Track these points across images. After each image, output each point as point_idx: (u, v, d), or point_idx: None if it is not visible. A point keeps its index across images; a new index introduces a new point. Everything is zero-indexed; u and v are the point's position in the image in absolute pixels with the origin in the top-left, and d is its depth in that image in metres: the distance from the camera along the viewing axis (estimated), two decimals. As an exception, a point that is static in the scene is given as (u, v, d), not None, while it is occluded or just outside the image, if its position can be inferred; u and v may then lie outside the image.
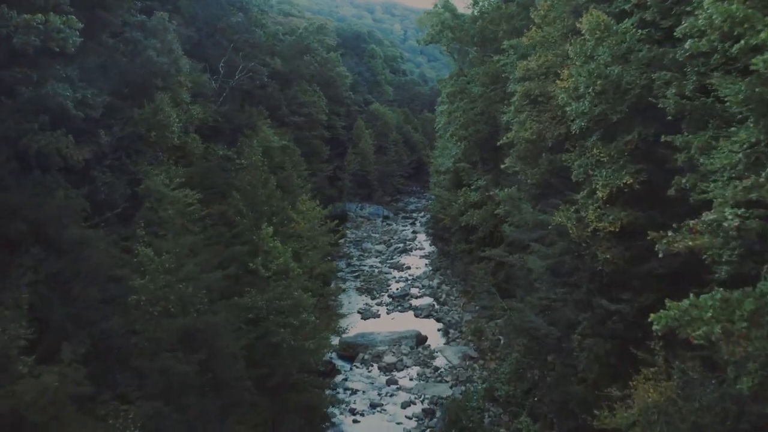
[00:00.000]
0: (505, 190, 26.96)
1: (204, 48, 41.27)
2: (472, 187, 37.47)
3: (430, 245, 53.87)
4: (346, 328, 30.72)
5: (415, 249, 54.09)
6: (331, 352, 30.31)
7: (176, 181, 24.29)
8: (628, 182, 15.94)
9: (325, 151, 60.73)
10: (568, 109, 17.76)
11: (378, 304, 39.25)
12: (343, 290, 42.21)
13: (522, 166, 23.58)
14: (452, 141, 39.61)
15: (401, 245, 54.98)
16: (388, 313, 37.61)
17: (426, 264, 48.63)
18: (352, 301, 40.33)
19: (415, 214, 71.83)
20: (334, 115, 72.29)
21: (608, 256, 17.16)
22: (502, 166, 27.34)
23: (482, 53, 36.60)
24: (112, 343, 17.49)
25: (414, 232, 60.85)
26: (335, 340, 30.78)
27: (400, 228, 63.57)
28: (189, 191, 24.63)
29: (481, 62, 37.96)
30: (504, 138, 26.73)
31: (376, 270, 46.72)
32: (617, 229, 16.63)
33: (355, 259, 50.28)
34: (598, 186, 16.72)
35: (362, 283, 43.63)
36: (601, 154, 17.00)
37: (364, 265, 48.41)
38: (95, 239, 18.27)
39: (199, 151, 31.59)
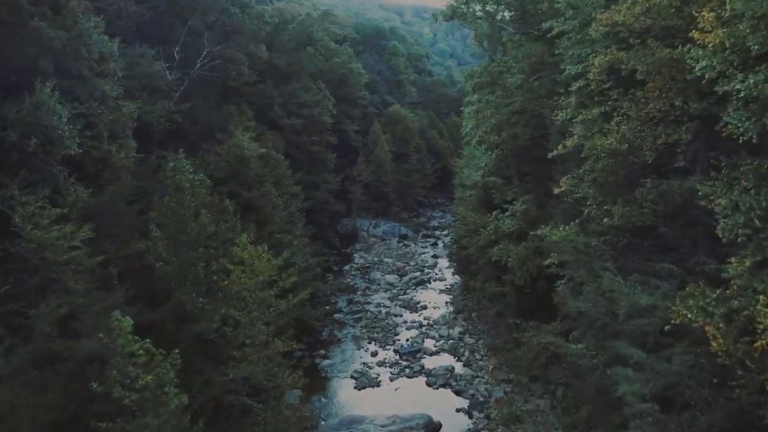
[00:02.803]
0: (562, 228, 17.29)
1: (159, 29, 32.53)
2: (506, 212, 27.67)
3: (453, 275, 44.12)
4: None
5: (435, 279, 44.35)
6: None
7: (55, 213, 15.77)
8: None
9: (331, 159, 51.57)
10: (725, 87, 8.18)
11: (380, 364, 29.73)
12: (338, 341, 32.84)
13: (597, 196, 13.88)
14: (480, 149, 29.87)
15: (418, 274, 45.30)
16: (391, 380, 28.08)
17: (446, 302, 38.88)
18: (347, 357, 30.91)
19: (438, 232, 62.08)
20: (345, 117, 63.28)
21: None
22: (556, 191, 17.62)
23: (521, 29, 26.84)
24: None
25: (435, 256, 51.10)
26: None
27: (419, 250, 53.89)
28: (73, 229, 16.08)
29: (519, 45, 28.26)
30: (559, 148, 17.06)
31: (384, 310, 37.16)
32: None
33: (359, 293, 40.81)
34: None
35: (364, 330, 34.18)
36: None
37: (370, 302, 38.91)
38: None
39: (130, 164, 22.74)
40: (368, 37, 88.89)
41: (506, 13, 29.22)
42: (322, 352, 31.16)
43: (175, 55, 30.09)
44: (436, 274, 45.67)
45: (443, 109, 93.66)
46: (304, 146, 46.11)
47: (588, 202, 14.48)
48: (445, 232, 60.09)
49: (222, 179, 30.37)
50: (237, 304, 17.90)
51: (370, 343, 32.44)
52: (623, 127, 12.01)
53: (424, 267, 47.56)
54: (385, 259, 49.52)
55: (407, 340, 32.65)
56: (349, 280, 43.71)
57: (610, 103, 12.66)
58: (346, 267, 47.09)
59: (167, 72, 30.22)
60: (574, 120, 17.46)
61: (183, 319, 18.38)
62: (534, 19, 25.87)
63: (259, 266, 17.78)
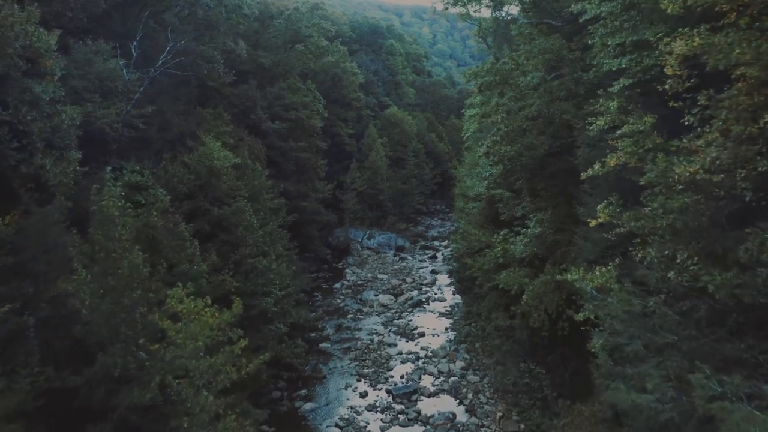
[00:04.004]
0: (598, 272, 13.23)
1: (120, 22, 28.44)
2: (516, 232, 23.56)
3: (454, 294, 40.01)
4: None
5: (434, 299, 40.22)
6: None
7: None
8: None
9: (321, 165, 47.52)
10: None
11: (370, 408, 25.62)
12: (322, 378, 28.73)
13: (669, 245, 9.74)
14: (487, 161, 25.73)
15: (415, 293, 41.19)
16: (382, 431, 23.94)
17: (447, 328, 34.76)
18: (333, 398, 26.79)
19: (437, 243, 58.02)
20: (339, 120, 59.28)
21: None
22: (592, 223, 13.49)
23: (535, 19, 22.76)
24: None
25: (434, 271, 46.96)
26: None
27: (417, 264, 49.77)
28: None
29: (530, 39, 24.20)
30: (595, 168, 13.02)
31: (376, 339, 33.03)
32: None
33: (350, 316, 36.66)
34: None
35: (353, 364, 30.06)
36: None
37: (361, 328, 34.78)
38: None
39: (69, 180, 18.75)
40: (364, 35, 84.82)
41: (516, 3, 25.23)
42: (304, 392, 27.06)
43: (133, 50, 25.93)
44: (435, 294, 41.55)
45: (443, 111, 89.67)
46: (290, 153, 42.03)
47: (649, 251, 10.34)
48: (445, 243, 56.06)
49: (189, 194, 26.38)
50: (175, 370, 13.77)
51: (359, 380, 28.32)
52: (714, 148, 7.97)
53: (422, 284, 43.43)
54: (380, 276, 45.37)
55: (402, 377, 28.53)
56: (338, 301, 39.57)
57: (697, 111, 8.60)
58: (337, 285, 42.96)
59: (124, 70, 26.09)
60: (611, 129, 13.51)
61: (112, 388, 14.32)
62: (552, 6, 21.80)
63: (196, 329, 13.52)
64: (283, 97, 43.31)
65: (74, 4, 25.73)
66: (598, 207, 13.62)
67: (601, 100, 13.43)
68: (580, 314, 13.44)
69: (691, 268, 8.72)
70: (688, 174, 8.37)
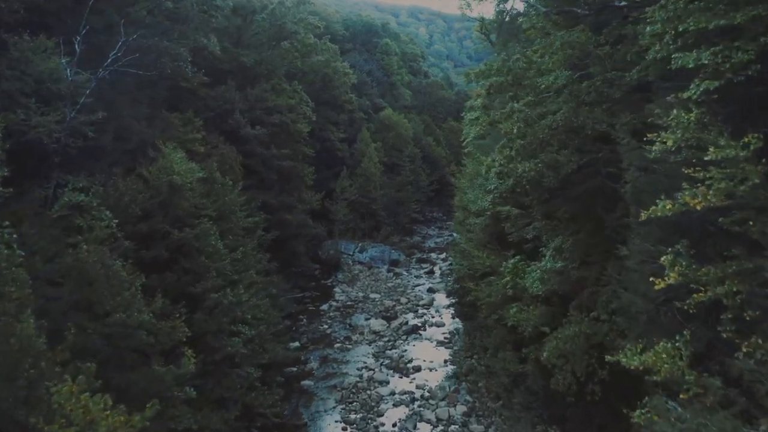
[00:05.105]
0: (660, 348, 9.38)
1: (68, 15, 24.42)
2: (531, 267, 19.60)
3: (453, 317, 36.13)
4: None
5: (431, 324, 36.31)
6: None
7: None
8: None
9: (309, 174, 43.59)
10: None
11: (356, 467, 21.71)
12: (302, 427, 24.78)
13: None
14: (493, 178, 21.76)
15: (410, 317, 37.30)
16: (369, 501, 20.03)
17: (446, 361, 30.84)
18: (313, 453, 22.86)
19: (434, 255, 54.14)
20: (330, 124, 55.36)
21: None
22: (657, 284, 9.55)
23: (554, 6, 18.83)
24: None
25: (431, 289, 43.03)
26: None
27: (413, 281, 45.85)
28: None
29: (544, 33, 20.34)
30: (665, 206, 9.13)
31: (366, 374, 29.08)
32: None
33: (337, 346, 32.67)
34: None
35: (338, 407, 26.13)
36: None
37: (349, 361, 30.83)
38: None
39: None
40: (358, 33, 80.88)
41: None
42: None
43: (77, 46, 21.93)
44: (433, 316, 37.66)
45: (440, 114, 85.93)
46: (272, 161, 38.09)
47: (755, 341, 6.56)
48: (443, 256, 52.22)
49: (144, 214, 22.39)
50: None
51: (345, 429, 24.39)
52: None
53: (418, 306, 39.52)
54: (372, 295, 41.43)
55: (394, 425, 24.60)
56: (325, 326, 35.63)
57: None
58: (324, 306, 39.01)
59: (68, 70, 22.07)
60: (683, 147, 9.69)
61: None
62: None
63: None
64: (265, 99, 39.35)
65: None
66: (663, 259, 9.77)
67: (674, 111, 9.51)
68: (636, 413, 9.48)
69: None
70: None
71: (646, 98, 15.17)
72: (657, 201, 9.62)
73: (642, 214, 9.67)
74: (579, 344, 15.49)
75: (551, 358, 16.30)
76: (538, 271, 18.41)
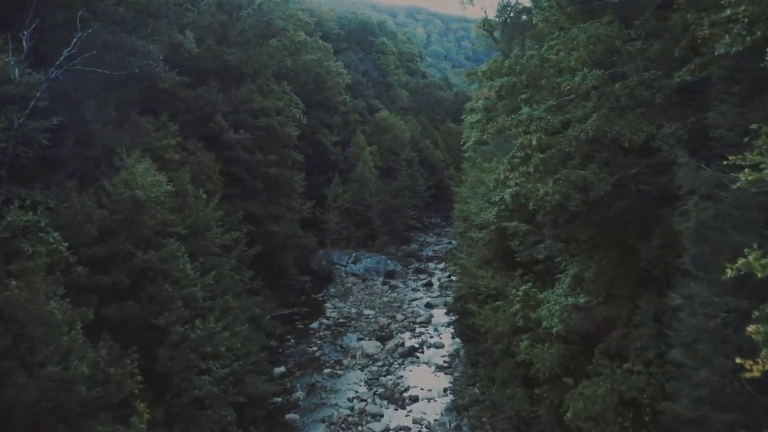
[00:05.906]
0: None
1: (19, 8, 21.57)
2: (552, 305, 16.75)
3: (453, 337, 33.36)
4: None
5: (429, 345, 33.51)
6: None
7: None
8: None
9: (299, 180, 40.73)
10: None
11: None
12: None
13: None
14: (505, 198, 18.92)
15: (407, 336, 34.53)
16: None
17: (446, 389, 28.02)
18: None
19: (432, 265, 51.39)
20: (322, 126, 52.58)
21: None
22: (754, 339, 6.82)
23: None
24: None
25: (429, 305, 40.26)
26: None
27: (410, 294, 43.06)
28: None
29: (557, 28, 17.64)
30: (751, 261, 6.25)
31: (358, 406, 26.25)
32: None
33: (326, 372, 29.81)
34: None
35: (326, 447, 23.33)
36: None
37: (339, 389, 27.99)
38: None
39: None
40: (353, 32, 78.03)
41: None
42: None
43: (24, 42, 19.08)
44: (431, 336, 34.88)
45: (438, 115, 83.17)
46: (257, 167, 35.28)
47: None
48: (442, 266, 49.46)
49: (103, 234, 19.55)
50: None
51: (332, 474, 21.62)
52: None
53: (415, 323, 36.71)
54: (365, 311, 38.61)
55: (389, 470, 21.82)
56: (314, 347, 32.79)
57: None
58: (314, 324, 36.17)
59: (17, 70, 19.21)
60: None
61: None
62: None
63: None
64: (251, 100, 36.54)
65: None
66: (752, 329, 7.03)
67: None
68: None
69: None
70: None
71: (696, 104, 12.44)
72: (733, 246, 6.87)
73: (728, 269, 6.89)
74: (611, 405, 12.74)
75: (577, 421, 13.54)
76: (557, 306, 15.64)
